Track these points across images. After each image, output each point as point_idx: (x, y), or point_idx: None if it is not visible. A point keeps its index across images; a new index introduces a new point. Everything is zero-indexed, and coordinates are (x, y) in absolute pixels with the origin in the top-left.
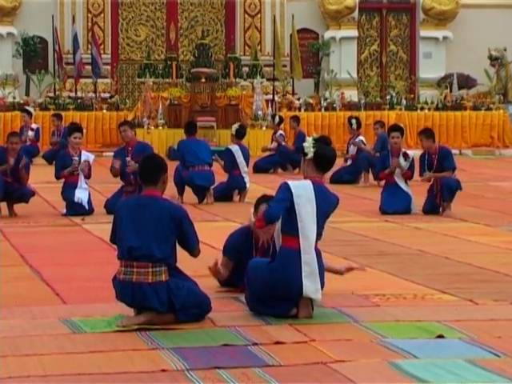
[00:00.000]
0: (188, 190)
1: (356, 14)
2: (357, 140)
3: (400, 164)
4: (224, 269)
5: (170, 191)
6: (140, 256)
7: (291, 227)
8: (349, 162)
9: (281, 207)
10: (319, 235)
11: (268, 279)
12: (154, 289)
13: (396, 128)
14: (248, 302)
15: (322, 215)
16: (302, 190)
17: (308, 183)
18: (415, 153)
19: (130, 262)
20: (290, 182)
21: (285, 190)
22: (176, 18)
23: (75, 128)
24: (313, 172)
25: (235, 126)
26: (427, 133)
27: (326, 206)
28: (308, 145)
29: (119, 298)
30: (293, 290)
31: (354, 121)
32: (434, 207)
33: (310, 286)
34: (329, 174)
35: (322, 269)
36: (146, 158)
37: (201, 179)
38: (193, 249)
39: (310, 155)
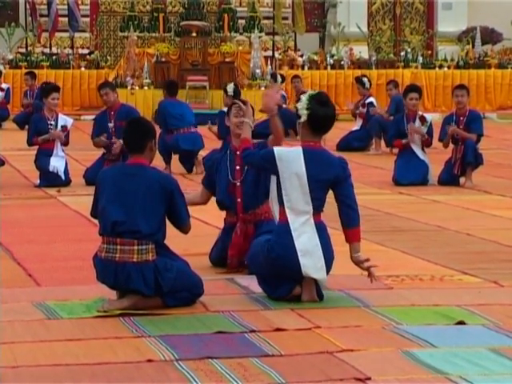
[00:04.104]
0: (175, 160)
1: None
2: (367, 101)
3: (420, 129)
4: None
5: (157, 161)
6: (124, 232)
7: (280, 198)
8: (357, 126)
9: (257, 159)
10: (318, 207)
11: (267, 258)
12: (140, 269)
13: (414, 88)
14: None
15: (318, 185)
16: (287, 162)
17: (297, 152)
18: (433, 116)
19: (112, 239)
20: (276, 151)
21: (268, 155)
22: None
23: (53, 87)
24: (307, 136)
25: (231, 86)
26: (467, 88)
27: (322, 174)
28: (301, 105)
29: (100, 279)
30: (291, 268)
31: (366, 79)
32: (450, 177)
33: (309, 263)
34: (335, 141)
35: (326, 245)
36: (132, 122)
37: (187, 143)
38: (183, 224)
39: (304, 118)
